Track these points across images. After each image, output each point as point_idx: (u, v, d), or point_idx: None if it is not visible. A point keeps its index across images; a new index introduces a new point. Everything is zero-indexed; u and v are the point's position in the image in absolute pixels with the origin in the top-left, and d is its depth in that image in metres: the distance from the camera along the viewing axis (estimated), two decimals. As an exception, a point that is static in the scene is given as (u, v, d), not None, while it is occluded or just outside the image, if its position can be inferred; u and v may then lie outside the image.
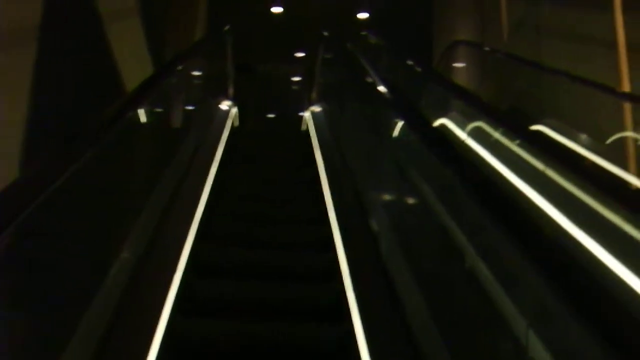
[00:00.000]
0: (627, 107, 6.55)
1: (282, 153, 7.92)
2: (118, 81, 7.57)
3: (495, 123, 5.87)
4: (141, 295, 3.63)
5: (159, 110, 5.38)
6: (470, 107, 6.36)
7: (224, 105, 9.33)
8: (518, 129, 5.45)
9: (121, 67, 7.83)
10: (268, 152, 7.81)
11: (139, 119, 4.57)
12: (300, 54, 18.20)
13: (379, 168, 5.27)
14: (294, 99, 16.71)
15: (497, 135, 6.14)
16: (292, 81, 19.38)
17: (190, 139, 6.49)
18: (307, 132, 9.07)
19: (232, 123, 9.12)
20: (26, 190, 2.45)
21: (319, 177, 6.16)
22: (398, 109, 4.67)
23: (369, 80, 5.60)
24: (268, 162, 7.35)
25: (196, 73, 7.89)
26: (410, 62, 8.04)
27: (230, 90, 10.30)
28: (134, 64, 8.11)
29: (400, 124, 4.80)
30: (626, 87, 6.88)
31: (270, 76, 17.49)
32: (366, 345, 3.45)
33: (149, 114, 4.78)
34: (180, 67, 6.36)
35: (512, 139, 5.75)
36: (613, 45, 7.03)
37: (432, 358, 3.17)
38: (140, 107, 4.56)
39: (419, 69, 8.01)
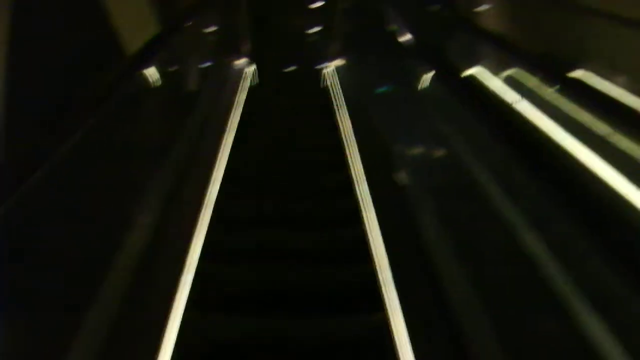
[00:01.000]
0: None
1: (303, 116, 7.72)
2: (116, 43, 7.27)
3: (533, 70, 5.67)
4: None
5: (165, 72, 5.21)
6: (504, 53, 6.16)
7: (239, 63, 9.15)
8: (557, 76, 5.25)
9: (119, 26, 7.53)
10: (287, 116, 7.64)
11: (142, 83, 4.44)
12: (319, 3, 17.90)
13: (409, 124, 5.12)
14: (314, 53, 16.46)
15: (532, 84, 5.93)
16: (311, 33, 19.11)
17: (201, 104, 6.34)
18: (327, 89, 8.90)
19: (249, 83, 8.94)
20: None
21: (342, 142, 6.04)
22: (424, 58, 4.51)
23: (393, 28, 5.42)
24: (288, 127, 7.15)
25: (207, 30, 7.70)
26: (435, 7, 7.80)
27: (245, 47, 10.11)
28: (135, 23, 7.82)
29: (427, 75, 4.64)
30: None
31: (287, 29, 17.22)
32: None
33: (153, 77, 4.65)
34: (189, 24, 6.18)
35: (550, 87, 5.55)
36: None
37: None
38: (145, 69, 4.42)
39: (445, 14, 7.78)
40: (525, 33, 8.98)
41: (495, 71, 6.75)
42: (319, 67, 13.47)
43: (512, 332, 2.89)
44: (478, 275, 3.24)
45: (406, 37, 5.02)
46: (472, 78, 6.69)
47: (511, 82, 6.20)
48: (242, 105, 7.11)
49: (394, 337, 3.37)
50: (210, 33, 7.93)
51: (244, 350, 3.68)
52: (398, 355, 3.27)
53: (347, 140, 5.80)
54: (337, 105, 7.18)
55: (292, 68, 18.12)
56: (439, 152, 4.39)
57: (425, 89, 4.60)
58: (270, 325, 3.77)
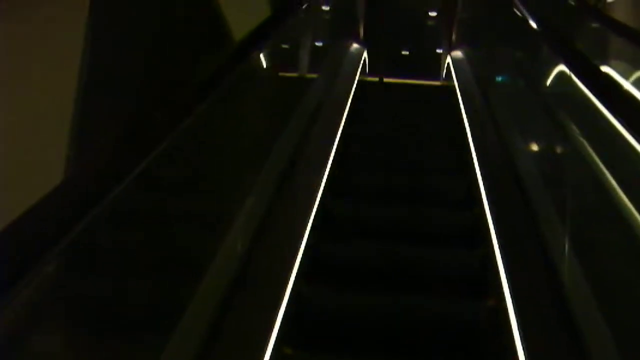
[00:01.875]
0: None
1: (421, 123, 7.17)
2: (221, 29, 7.01)
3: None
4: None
5: (275, 56, 5.09)
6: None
7: (353, 48, 9.01)
8: None
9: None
10: (400, 119, 7.20)
11: (256, 66, 4.40)
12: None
13: (540, 126, 4.87)
14: (433, 40, 16.08)
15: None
16: (429, 16, 18.73)
17: (311, 95, 6.15)
18: (448, 86, 8.56)
19: (363, 69, 8.76)
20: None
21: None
22: (559, 52, 4.30)
23: (523, 16, 5.20)
24: (399, 136, 6.72)
25: (321, 11, 7.56)
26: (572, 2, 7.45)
27: (361, 30, 9.98)
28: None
29: (562, 71, 4.43)
30: None
31: (403, 10, 16.93)
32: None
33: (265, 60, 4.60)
34: (305, 5, 6.07)
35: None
36: None
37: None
38: (257, 54, 4.37)
39: (573, 3, 7.44)
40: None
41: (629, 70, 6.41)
42: (437, 55, 13.15)
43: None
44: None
45: (537, 26, 4.80)
46: (609, 76, 6.39)
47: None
48: (350, 100, 6.85)
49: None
50: (325, 14, 7.82)
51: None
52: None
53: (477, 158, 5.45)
54: (463, 110, 6.73)
55: (407, 55, 17.87)
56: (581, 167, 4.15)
57: (561, 87, 4.40)
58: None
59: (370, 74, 10.72)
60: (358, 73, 7.99)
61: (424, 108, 7.69)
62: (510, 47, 6.48)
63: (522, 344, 3.11)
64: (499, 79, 6.77)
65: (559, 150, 4.51)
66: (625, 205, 3.15)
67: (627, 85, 6.33)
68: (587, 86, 3.56)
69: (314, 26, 6.88)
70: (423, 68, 15.01)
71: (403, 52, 17.81)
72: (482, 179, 4.93)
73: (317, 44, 7.03)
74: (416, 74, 15.22)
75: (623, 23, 6.72)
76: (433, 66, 13.46)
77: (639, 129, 2.63)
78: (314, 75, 6.68)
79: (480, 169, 5.10)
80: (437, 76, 11.99)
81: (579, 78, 3.74)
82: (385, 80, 12.75)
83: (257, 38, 4.27)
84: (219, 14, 6.71)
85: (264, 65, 4.54)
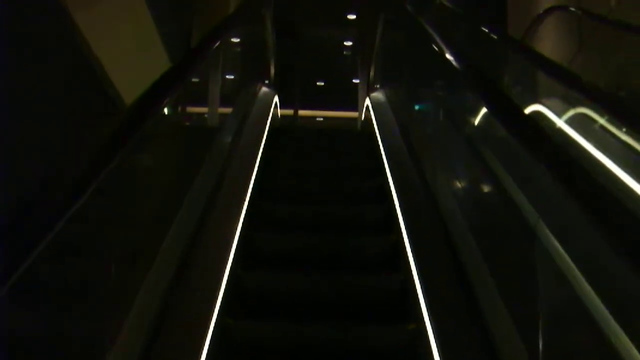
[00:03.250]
0: None
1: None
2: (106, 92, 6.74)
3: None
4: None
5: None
6: (573, 90, 5.83)
7: (262, 93, 8.75)
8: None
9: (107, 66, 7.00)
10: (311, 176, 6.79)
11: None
12: (353, 16, 17.62)
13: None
14: (350, 71, 16.09)
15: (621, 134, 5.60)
16: (345, 46, 18.76)
17: (209, 159, 5.66)
18: (364, 133, 8.41)
19: (272, 120, 8.42)
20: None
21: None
22: (481, 91, 4.23)
23: (443, 51, 5.13)
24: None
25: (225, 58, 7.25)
26: (494, 35, 7.40)
27: (271, 69, 9.81)
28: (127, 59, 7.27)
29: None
30: None
31: (318, 43, 16.93)
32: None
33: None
34: (212, 49, 5.83)
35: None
36: None
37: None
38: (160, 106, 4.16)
39: (495, 37, 7.42)
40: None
41: (560, 109, 6.40)
42: (354, 86, 13.10)
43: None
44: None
45: (459, 63, 4.72)
46: (538, 116, 6.36)
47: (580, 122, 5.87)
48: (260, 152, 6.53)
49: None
50: (232, 57, 7.63)
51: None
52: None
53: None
54: (386, 161, 6.42)
55: (323, 86, 17.89)
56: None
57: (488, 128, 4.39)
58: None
59: (285, 107, 10.62)
60: (268, 124, 7.58)
61: (341, 161, 7.44)
62: (430, 83, 6.44)
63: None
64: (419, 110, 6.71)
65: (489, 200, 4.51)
66: (540, 227, 3.26)
67: (548, 122, 6.37)
68: (508, 129, 3.51)
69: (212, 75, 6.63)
70: (340, 100, 14.96)
71: (318, 84, 17.84)
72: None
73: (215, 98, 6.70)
74: (333, 106, 15.14)
75: (550, 59, 6.74)
76: (351, 98, 13.40)
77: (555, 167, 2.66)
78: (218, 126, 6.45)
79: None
80: (354, 108, 11.93)
81: (500, 121, 3.68)
82: (301, 113, 12.64)
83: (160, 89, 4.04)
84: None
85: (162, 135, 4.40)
